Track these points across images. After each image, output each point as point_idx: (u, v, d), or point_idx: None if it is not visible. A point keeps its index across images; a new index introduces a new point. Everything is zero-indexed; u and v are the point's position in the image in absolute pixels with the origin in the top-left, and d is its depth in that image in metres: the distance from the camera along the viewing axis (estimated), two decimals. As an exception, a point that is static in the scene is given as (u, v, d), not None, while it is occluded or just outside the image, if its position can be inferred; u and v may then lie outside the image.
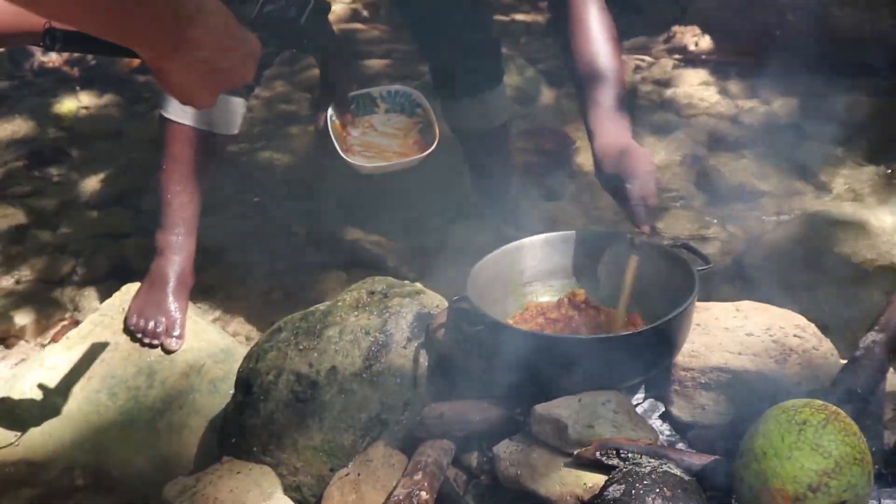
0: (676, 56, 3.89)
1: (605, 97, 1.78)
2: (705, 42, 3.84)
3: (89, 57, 4.14)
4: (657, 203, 1.73)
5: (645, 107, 3.56)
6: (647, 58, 3.93)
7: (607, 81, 1.79)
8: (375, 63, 4.09)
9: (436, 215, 2.87)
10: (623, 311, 1.75)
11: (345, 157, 2.23)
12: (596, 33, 1.83)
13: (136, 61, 4.19)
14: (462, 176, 2.93)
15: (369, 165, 2.26)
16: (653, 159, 1.74)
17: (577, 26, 1.84)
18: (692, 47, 3.86)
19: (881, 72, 3.45)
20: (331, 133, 2.28)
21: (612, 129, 1.76)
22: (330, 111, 2.32)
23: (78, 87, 4.03)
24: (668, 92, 3.67)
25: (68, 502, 1.95)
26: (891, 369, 1.70)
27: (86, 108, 3.93)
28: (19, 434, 2.03)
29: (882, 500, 1.40)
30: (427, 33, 2.48)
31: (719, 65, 3.75)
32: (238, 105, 2.19)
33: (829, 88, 3.46)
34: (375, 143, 2.34)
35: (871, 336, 1.62)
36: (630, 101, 3.49)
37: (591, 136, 1.78)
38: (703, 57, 3.82)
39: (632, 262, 1.74)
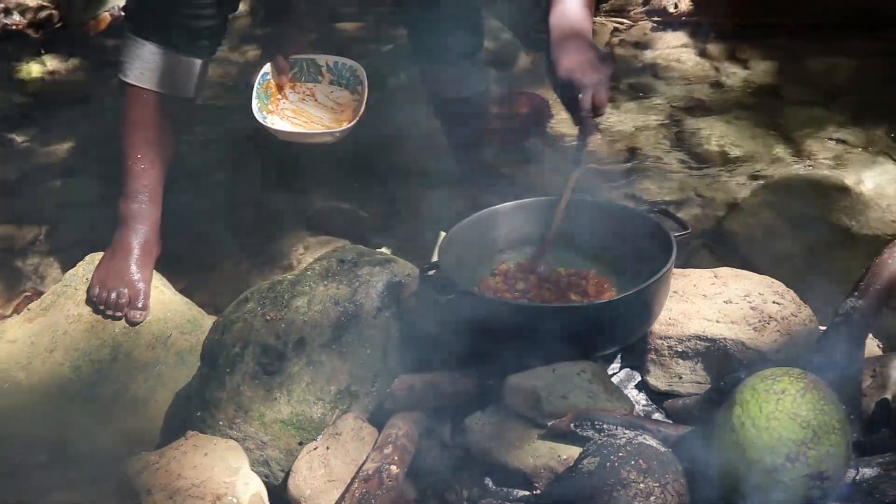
0: (655, 18, 3.83)
1: (570, 11, 1.75)
2: (684, 4, 3.79)
3: (55, 19, 4.03)
4: (607, 112, 1.71)
5: (623, 70, 3.51)
6: (625, 20, 3.88)
7: (574, 8, 1.76)
8: (348, 26, 4.00)
9: (409, 182, 2.81)
10: (556, 228, 1.73)
11: (260, 119, 2.11)
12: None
13: (103, 24, 4.09)
14: (437, 141, 2.88)
15: (284, 130, 2.15)
16: (610, 65, 1.71)
17: None
18: (671, 9, 3.80)
19: (862, 33, 3.42)
20: (254, 91, 2.15)
21: (571, 34, 1.72)
22: (266, 69, 2.20)
23: (42, 51, 3.92)
24: (647, 55, 3.62)
25: (30, 479, 1.91)
26: (869, 335, 1.69)
27: (51, 72, 3.83)
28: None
29: (860, 469, 1.38)
30: (410, 2, 2.41)
31: (698, 27, 3.71)
32: (198, 66, 2.11)
33: (810, 50, 3.44)
34: (308, 112, 2.23)
35: (851, 302, 1.60)
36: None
37: (549, 39, 1.74)
38: (683, 19, 3.77)
39: (572, 177, 1.74)
